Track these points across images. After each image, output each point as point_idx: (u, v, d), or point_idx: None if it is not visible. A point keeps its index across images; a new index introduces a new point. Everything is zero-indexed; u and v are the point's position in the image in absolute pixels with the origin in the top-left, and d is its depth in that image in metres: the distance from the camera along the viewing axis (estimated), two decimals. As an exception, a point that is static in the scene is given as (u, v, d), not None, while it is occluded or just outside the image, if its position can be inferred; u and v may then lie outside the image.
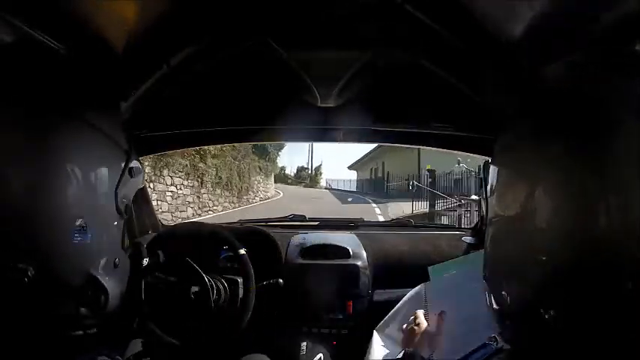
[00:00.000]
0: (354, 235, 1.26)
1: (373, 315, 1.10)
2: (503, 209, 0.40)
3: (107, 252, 0.56)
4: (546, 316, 0.33)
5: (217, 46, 0.83)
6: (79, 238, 0.50)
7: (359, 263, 1.13)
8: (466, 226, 1.42)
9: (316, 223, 1.50)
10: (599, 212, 0.31)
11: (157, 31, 0.75)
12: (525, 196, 0.36)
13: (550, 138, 0.37)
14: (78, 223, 0.50)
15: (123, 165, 0.57)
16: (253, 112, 1.13)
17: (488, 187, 0.45)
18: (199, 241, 1.04)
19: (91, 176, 0.52)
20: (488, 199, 0.44)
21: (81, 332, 0.54)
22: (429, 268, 0.88)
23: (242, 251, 0.99)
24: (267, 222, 1.49)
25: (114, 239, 0.57)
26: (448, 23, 0.73)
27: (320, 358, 1.01)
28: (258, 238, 1.14)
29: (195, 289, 0.94)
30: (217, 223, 1.32)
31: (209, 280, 0.96)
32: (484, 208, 0.47)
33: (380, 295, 1.14)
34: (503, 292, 0.41)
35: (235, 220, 1.47)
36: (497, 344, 0.65)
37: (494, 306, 0.45)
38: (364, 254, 1.17)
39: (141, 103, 0.87)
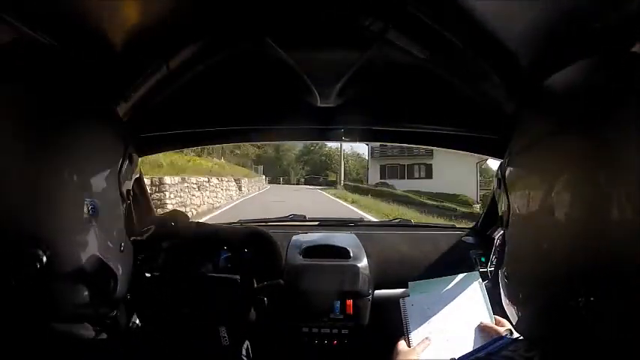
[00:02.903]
0: (354, 235, 1.26)
1: (373, 315, 1.10)
2: (528, 208, 0.42)
3: (114, 236, 0.56)
4: (576, 304, 0.36)
5: (217, 45, 0.83)
6: (88, 220, 0.50)
7: (359, 263, 1.13)
8: (466, 226, 1.41)
9: (316, 223, 1.50)
10: (614, 203, 0.35)
11: (156, 31, 0.75)
12: (550, 194, 0.40)
13: (566, 137, 0.40)
14: (87, 202, 0.50)
15: (122, 151, 0.58)
16: (253, 112, 1.13)
17: (506, 188, 0.47)
18: (199, 241, 1.04)
19: (94, 161, 0.54)
20: (509, 201, 0.46)
21: (94, 321, 0.54)
22: (410, 284, 0.88)
23: (242, 251, 0.99)
24: (267, 222, 1.49)
25: (119, 222, 0.58)
26: (449, 23, 0.73)
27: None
28: (258, 238, 1.14)
29: (193, 289, 0.94)
30: (217, 223, 1.32)
31: (208, 281, 0.96)
32: (503, 208, 0.48)
33: (380, 294, 1.14)
34: (526, 287, 0.44)
35: (235, 220, 1.47)
36: (511, 335, 0.66)
37: (511, 301, 0.48)
38: (364, 254, 1.17)
39: (140, 103, 0.87)
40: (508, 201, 0.45)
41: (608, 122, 0.37)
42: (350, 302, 1.09)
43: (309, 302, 1.09)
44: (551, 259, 0.40)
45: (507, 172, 0.46)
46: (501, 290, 0.50)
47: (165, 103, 0.94)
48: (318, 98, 1.00)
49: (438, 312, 0.81)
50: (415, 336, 0.79)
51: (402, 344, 0.79)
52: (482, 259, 1.16)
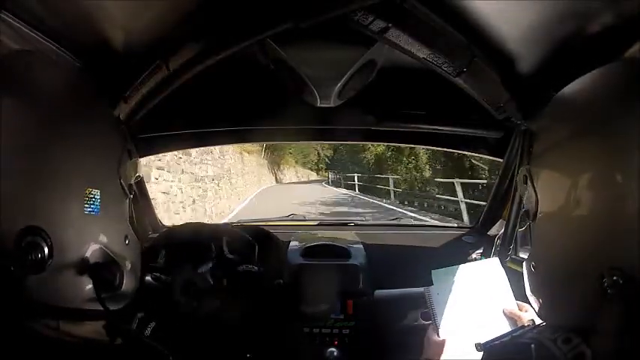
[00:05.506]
0: (355, 235, 1.26)
1: (374, 314, 1.10)
2: (560, 204, 0.44)
3: (118, 228, 0.56)
4: (605, 291, 0.38)
5: (217, 46, 0.83)
6: (90, 209, 0.50)
7: (359, 263, 1.13)
8: (466, 226, 1.42)
9: (316, 223, 1.51)
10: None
11: (157, 32, 0.75)
12: (580, 191, 0.42)
13: (591, 138, 0.42)
14: (88, 193, 0.50)
15: (121, 145, 0.58)
16: (253, 113, 1.13)
17: (534, 186, 0.48)
18: (200, 242, 1.04)
19: (94, 154, 0.54)
20: (537, 197, 0.48)
21: (101, 314, 0.54)
22: (433, 272, 0.87)
23: (243, 252, 0.99)
24: (266, 222, 1.49)
25: (122, 215, 0.58)
26: (449, 23, 0.73)
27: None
28: (258, 239, 1.14)
29: (195, 290, 0.94)
30: (218, 224, 1.32)
31: (209, 282, 0.96)
32: (530, 203, 0.50)
33: (380, 294, 1.14)
34: (555, 277, 0.46)
35: (235, 221, 1.47)
36: (534, 323, 0.67)
37: (537, 290, 0.50)
38: (364, 254, 1.17)
39: (140, 103, 0.87)
40: (536, 197, 0.46)
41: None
42: (350, 302, 1.09)
43: (310, 302, 1.09)
44: (582, 251, 0.41)
45: (535, 170, 0.47)
46: (525, 280, 0.51)
47: (165, 104, 0.93)
48: (318, 98, 1.00)
49: (463, 299, 0.80)
50: (444, 326, 0.78)
51: (432, 335, 0.78)
52: (483, 259, 1.16)
